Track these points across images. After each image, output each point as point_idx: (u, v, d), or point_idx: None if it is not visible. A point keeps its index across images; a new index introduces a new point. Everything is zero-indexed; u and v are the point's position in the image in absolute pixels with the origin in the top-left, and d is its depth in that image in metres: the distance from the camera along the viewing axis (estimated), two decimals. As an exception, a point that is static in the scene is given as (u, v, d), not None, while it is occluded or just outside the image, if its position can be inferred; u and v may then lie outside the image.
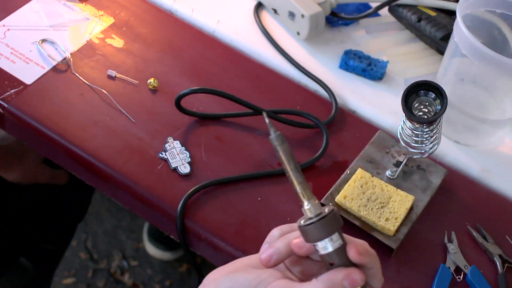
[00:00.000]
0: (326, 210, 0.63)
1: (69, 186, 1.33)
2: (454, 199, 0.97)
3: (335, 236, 0.62)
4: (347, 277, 0.61)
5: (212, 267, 0.73)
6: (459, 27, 0.94)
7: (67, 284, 1.93)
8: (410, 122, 0.87)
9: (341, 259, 0.63)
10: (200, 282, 0.92)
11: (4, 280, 1.31)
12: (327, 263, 0.63)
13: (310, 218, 0.62)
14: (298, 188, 0.64)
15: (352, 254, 0.62)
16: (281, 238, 0.66)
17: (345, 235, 0.65)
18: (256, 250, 0.86)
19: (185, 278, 1.97)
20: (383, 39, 1.18)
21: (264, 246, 0.67)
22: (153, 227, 1.99)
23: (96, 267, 1.97)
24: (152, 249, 1.97)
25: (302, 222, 0.63)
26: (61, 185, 1.31)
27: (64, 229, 1.43)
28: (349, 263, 0.63)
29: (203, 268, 0.93)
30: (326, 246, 0.62)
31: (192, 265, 0.92)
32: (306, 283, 0.62)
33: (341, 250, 0.63)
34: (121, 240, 2.03)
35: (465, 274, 0.89)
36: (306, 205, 0.63)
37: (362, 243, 0.65)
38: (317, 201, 0.64)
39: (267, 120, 0.66)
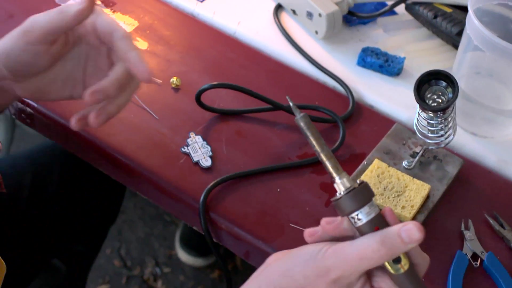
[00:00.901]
0: (358, 181, 0.64)
1: (99, 188, 1.36)
2: (471, 189, 0.99)
3: (372, 203, 0.63)
4: (404, 228, 0.61)
5: (243, 273, 0.75)
6: (471, 19, 0.96)
7: (101, 291, 1.98)
8: (424, 111, 0.89)
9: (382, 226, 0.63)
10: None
11: (38, 281, 1.34)
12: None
13: (344, 191, 0.64)
14: (328, 164, 0.65)
15: (388, 214, 0.64)
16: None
17: None
18: (275, 238, 0.89)
19: (217, 284, 2.00)
20: (400, 36, 1.20)
21: None
22: (185, 234, 2.02)
23: (130, 274, 2.01)
24: (184, 256, 2.00)
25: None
26: (92, 187, 1.35)
27: (96, 231, 1.47)
28: None
29: (234, 274, 0.94)
30: (368, 212, 0.63)
31: (213, 248, 0.94)
32: (361, 238, 0.63)
33: (380, 217, 0.64)
34: (154, 247, 2.07)
35: (481, 261, 0.90)
36: (338, 180, 0.65)
37: None
38: (348, 176, 0.65)
39: (291, 103, 0.69)
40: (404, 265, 0.63)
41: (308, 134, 0.66)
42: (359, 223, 0.63)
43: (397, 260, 0.63)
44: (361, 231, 0.64)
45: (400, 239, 0.61)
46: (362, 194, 0.63)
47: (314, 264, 0.63)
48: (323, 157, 0.66)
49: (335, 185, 0.65)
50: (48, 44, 0.79)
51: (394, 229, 0.61)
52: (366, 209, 0.63)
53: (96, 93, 0.77)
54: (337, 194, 0.65)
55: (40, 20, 0.78)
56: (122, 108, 0.82)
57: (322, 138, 0.66)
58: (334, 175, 0.65)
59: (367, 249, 0.61)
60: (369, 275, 0.65)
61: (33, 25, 0.78)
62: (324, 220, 0.66)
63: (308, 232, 0.68)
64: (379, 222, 0.63)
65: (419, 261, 0.65)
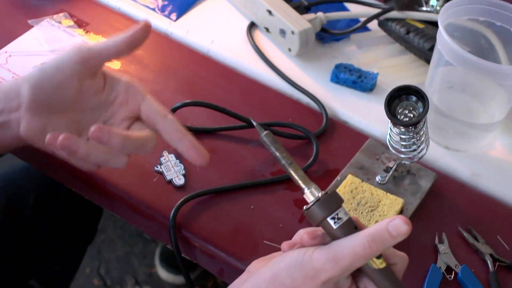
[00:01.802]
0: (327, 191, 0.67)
1: (75, 208, 1.36)
2: (445, 202, 0.99)
3: (343, 209, 0.66)
4: (392, 223, 0.63)
5: None
6: (442, 35, 0.97)
7: (81, 311, 1.96)
8: (395, 126, 0.89)
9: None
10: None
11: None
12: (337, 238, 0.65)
13: (314, 199, 0.66)
14: (296, 176, 0.68)
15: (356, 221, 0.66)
16: (304, 230, 0.69)
17: None
18: (250, 256, 0.89)
19: (197, 301, 1.99)
20: (373, 52, 1.21)
21: None
22: (165, 252, 2.01)
23: (110, 294, 2.01)
24: (164, 274, 1.99)
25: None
26: (68, 207, 1.34)
27: (73, 251, 1.46)
28: None
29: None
30: (346, 212, 0.65)
31: (184, 274, 0.93)
32: (349, 237, 0.64)
33: (352, 221, 0.66)
34: (134, 266, 2.06)
35: (456, 274, 0.90)
36: (307, 190, 0.67)
37: None
38: (315, 186, 0.68)
39: (254, 123, 0.72)
40: (384, 261, 0.65)
41: (273, 150, 0.69)
42: (338, 224, 0.65)
43: (379, 256, 0.65)
44: (341, 232, 0.65)
45: (388, 234, 0.62)
46: (334, 198, 0.66)
47: (302, 267, 0.64)
48: (290, 170, 0.68)
49: (304, 196, 0.67)
50: (89, 74, 0.80)
51: (381, 224, 0.63)
52: (343, 209, 0.65)
53: (103, 130, 0.73)
54: (309, 203, 0.67)
55: (95, 45, 0.79)
56: (102, 165, 0.78)
57: (288, 153, 0.69)
58: (303, 186, 0.68)
59: (358, 247, 0.63)
60: (354, 276, 0.66)
61: (89, 47, 0.79)
62: (306, 235, 0.66)
63: (287, 244, 0.68)
64: (355, 223, 0.66)
65: (395, 260, 0.67)
